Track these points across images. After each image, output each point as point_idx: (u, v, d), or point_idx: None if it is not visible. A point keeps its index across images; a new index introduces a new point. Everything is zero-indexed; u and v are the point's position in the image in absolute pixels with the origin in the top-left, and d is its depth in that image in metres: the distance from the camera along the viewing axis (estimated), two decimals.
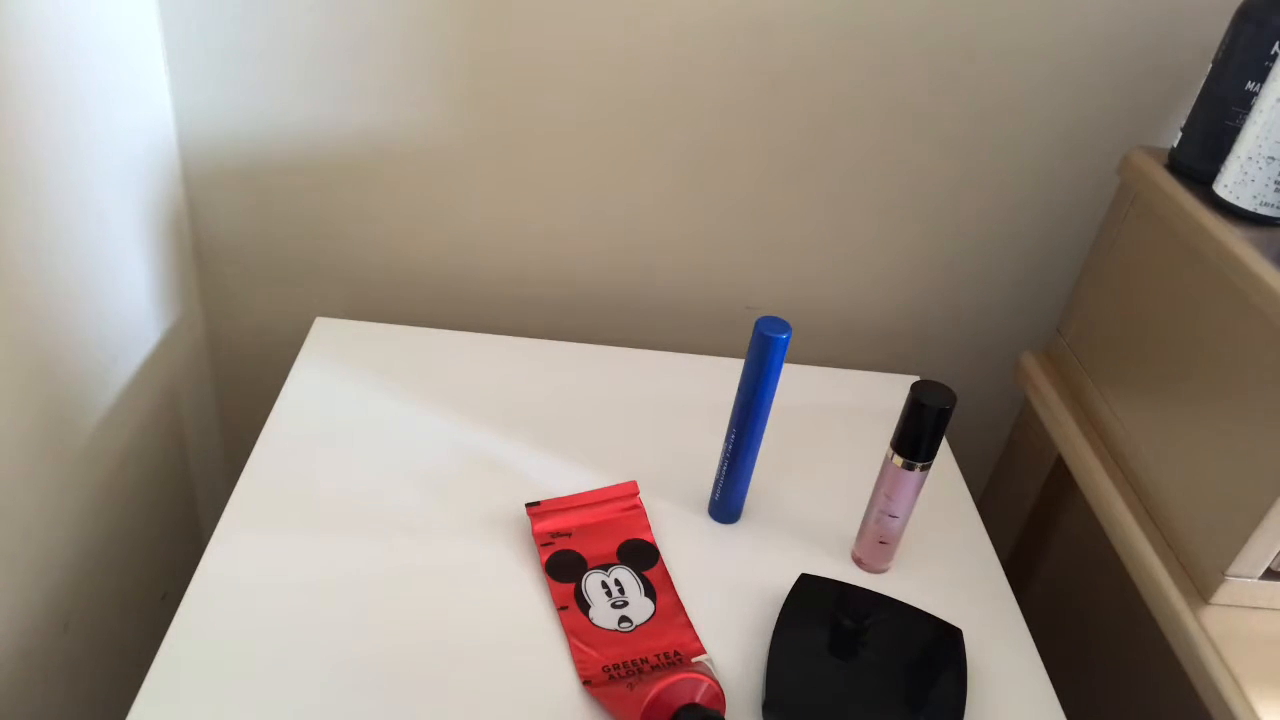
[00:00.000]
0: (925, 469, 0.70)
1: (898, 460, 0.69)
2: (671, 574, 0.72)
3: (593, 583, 0.70)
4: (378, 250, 0.95)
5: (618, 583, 0.71)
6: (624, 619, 0.68)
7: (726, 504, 0.77)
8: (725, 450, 0.74)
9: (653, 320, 1.00)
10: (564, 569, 0.71)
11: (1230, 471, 0.67)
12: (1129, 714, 0.82)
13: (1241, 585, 0.67)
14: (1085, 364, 0.86)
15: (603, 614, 0.68)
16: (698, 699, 0.60)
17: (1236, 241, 0.69)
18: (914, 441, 0.68)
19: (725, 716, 0.61)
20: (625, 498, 0.77)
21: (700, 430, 0.85)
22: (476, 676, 0.63)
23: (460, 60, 0.84)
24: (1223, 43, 0.74)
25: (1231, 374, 0.69)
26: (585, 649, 0.65)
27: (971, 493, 0.85)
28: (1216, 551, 0.67)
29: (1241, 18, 0.73)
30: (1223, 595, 0.68)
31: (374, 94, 0.86)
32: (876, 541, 0.74)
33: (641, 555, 0.73)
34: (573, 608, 0.68)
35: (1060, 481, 0.90)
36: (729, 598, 0.71)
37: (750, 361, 0.69)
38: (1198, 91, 0.76)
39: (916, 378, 0.91)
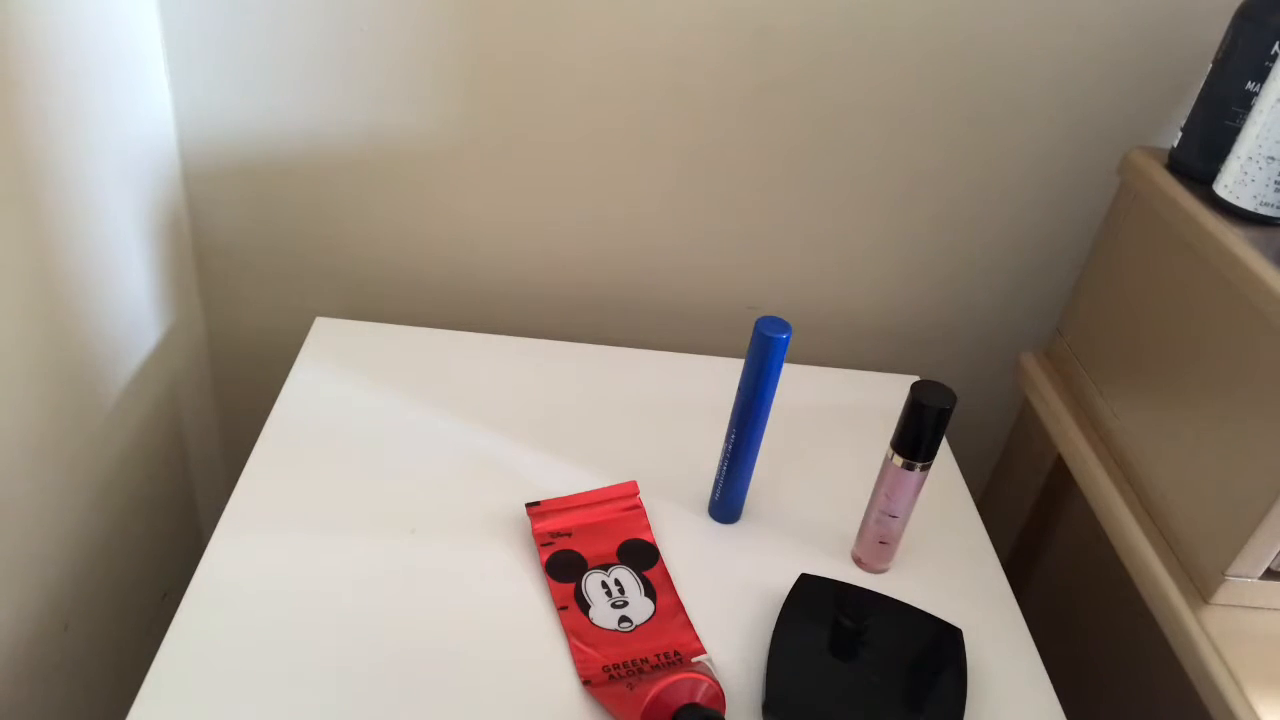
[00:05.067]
0: (925, 469, 0.70)
1: (898, 460, 0.69)
2: (671, 574, 0.72)
3: (593, 583, 0.70)
4: (378, 250, 0.95)
5: (618, 583, 0.71)
6: (624, 619, 0.68)
7: (726, 504, 0.77)
8: (725, 450, 0.74)
9: (653, 320, 1.00)
10: (564, 569, 0.71)
11: (1230, 471, 0.67)
12: (1129, 714, 0.82)
13: (1241, 585, 0.67)
14: (1085, 364, 0.86)
15: (603, 614, 0.68)
16: (698, 699, 0.60)
17: (1236, 241, 0.69)
18: (914, 441, 0.68)
19: (725, 716, 0.61)
20: (625, 498, 0.77)
21: (700, 430, 0.85)
22: (477, 676, 0.63)
23: (460, 60, 0.84)
24: (1223, 43, 0.74)
25: (1231, 374, 0.69)
26: (585, 649, 0.65)
27: (971, 493, 0.85)
28: (1216, 551, 0.67)
29: (1241, 18, 0.73)
30: (1223, 595, 0.68)
31: (374, 94, 0.86)
32: (876, 541, 0.74)
33: (641, 555, 0.73)
34: (573, 608, 0.68)
35: (1060, 481, 0.90)
36: (729, 598, 0.71)
37: (750, 361, 0.69)
38: (1198, 91, 0.76)
39: (916, 378, 0.91)
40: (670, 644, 0.67)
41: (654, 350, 0.95)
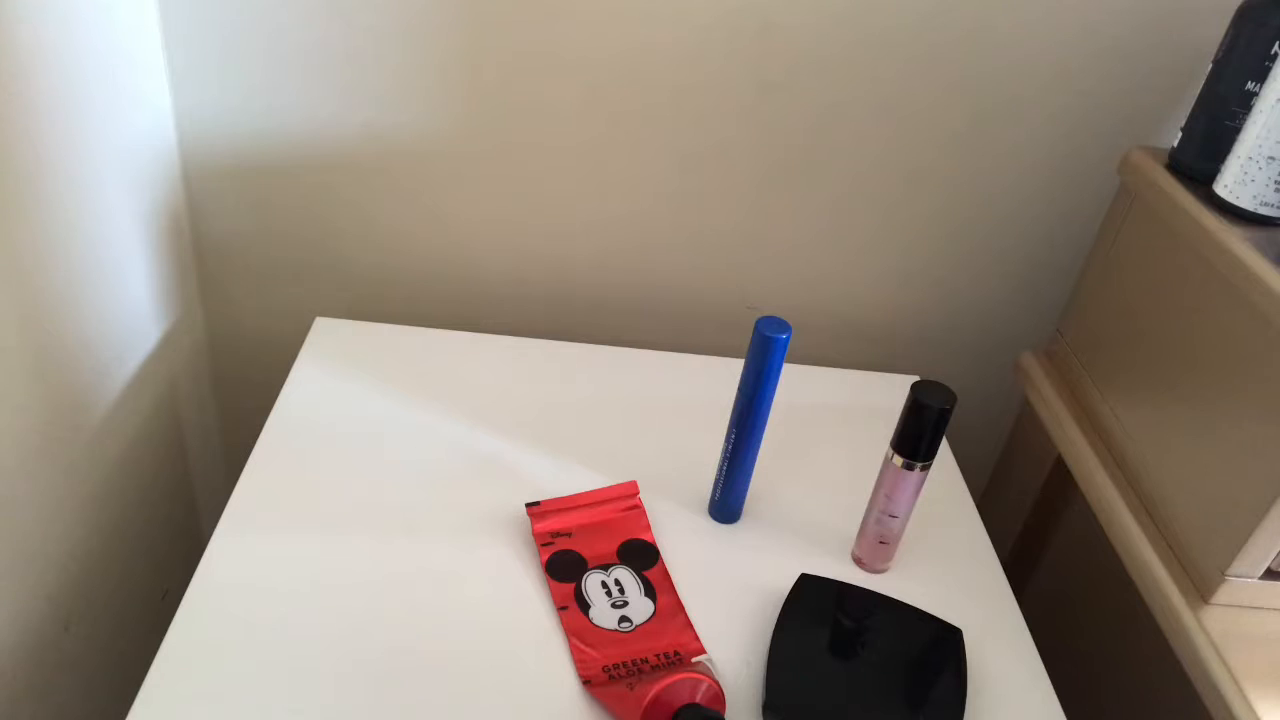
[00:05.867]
0: (925, 469, 0.70)
1: (898, 460, 0.69)
2: (671, 574, 0.72)
3: (593, 583, 0.70)
4: (378, 250, 0.95)
5: (618, 583, 0.71)
6: (624, 619, 0.68)
7: (726, 504, 0.77)
8: (725, 450, 0.74)
9: (653, 320, 1.00)
10: (564, 569, 0.71)
11: (1230, 471, 0.67)
12: (1129, 714, 0.82)
13: (1241, 585, 0.67)
14: (1085, 364, 0.86)
15: (603, 614, 0.68)
16: (698, 699, 0.60)
17: (1236, 241, 0.69)
18: (914, 441, 0.68)
19: (725, 716, 0.61)
20: (625, 498, 0.77)
21: (700, 430, 0.85)
22: (476, 676, 0.63)
23: (460, 61, 0.84)
24: (1223, 43, 0.74)
25: (1231, 374, 0.69)
26: (585, 649, 0.65)
27: (971, 493, 0.85)
28: (1216, 551, 0.67)
29: (1241, 18, 0.73)
30: (1223, 595, 0.68)
31: (374, 94, 0.86)
32: (876, 541, 0.74)
33: (641, 555, 0.73)
34: (573, 608, 0.68)
35: (1060, 481, 0.90)
36: (729, 598, 0.71)
37: (750, 361, 0.69)
38: (1198, 91, 0.76)
39: (916, 378, 0.91)
40: (670, 644, 0.67)
41: (654, 350, 0.95)
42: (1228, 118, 0.74)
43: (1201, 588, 0.68)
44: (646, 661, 0.65)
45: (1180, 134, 0.78)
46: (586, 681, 0.63)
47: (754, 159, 0.90)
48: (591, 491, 0.77)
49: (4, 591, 0.67)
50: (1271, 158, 0.69)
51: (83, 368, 0.76)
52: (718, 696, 0.61)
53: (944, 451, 0.88)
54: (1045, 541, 0.95)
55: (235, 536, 0.70)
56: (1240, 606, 0.68)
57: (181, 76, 0.84)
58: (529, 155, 0.89)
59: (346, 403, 0.83)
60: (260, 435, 0.78)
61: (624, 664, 0.64)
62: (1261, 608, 0.68)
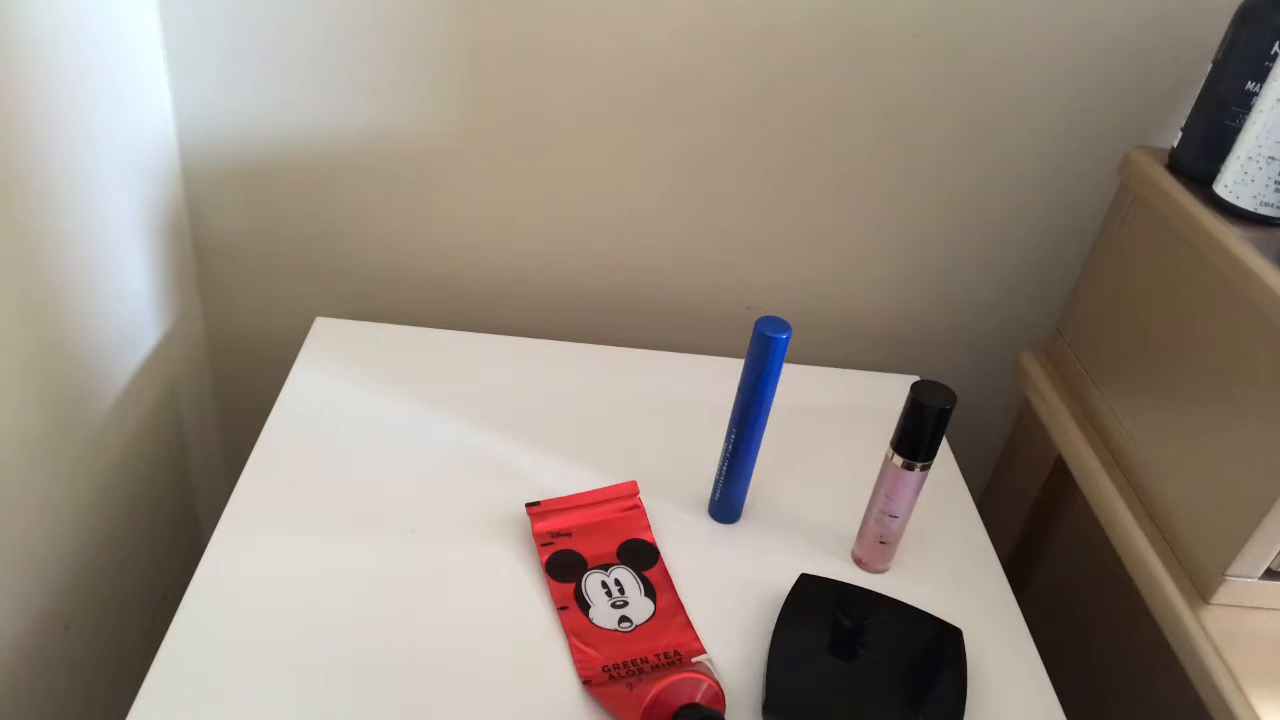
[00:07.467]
0: (925, 469, 0.70)
1: (898, 460, 0.69)
2: (671, 574, 0.72)
3: (593, 583, 0.70)
4: (378, 250, 0.95)
5: (618, 583, 0.71)
6: (624, 619, 0.68)
7: (726, 504, 0.77)
8: (725, 450, 0.74)
9: (653, 320, 1.00)
10: (564, 569, 0.71)
11: (1230, 471, 0.67)
12: (1129, 714, 0.82)
13: (1241, 585, 0.67)
14: (1085, 364, 0.86)
15: (603, 614, 0.68)
16: (698, 699, 0.60)
17: (1236, 241, 0.69)
18: (914, 441, 0.68)
19: (725, 716, 0.61)
20: (625, 498, 0.77)
21: (700, 430, 0.85)
22: (476, 676, 0.63)
23: (460, 60, 0.84)
24: (1223, 43, 0.74)
25: (1231, 374, 0.69)
26: (585, 649, 0.65)
27: (971, 493, 0.85)
28: (1216, 551, 0.67)
29: (1241, 18, 0.73)
30: (1223, 595, 0.68)
31: (374, 94, 0.86)
32: (876, 541, 0.74)
33: (641, 555, 0.73)
34: (573, 608, 0.68)
35: (1060, 481, 0.90)
36: (729, 598, 0.71)
37: (750, 361, 0.69)
38: (1198, 91, 0.76)
39: (916, 378, 0.91)
40: (670, 644, 0.67)
41: (654, 350, 0.95)
42: (1228, 118, 0.74)
43: (1201, 588, 0.68)
44: (646, 661, 0.65)
45: (1180, 134, 0.78)
46: (586, 681, 0.63)
47: (754, 159, 0.90)
48: (591, 491, 0.77)
49: (4, 592, 0.67)
50: (1271, 158, 0.69)
51: (82, 367, 0.76)
52: (718, 696, 0.61)
53: (944, 451, 0.88)
54: (1045, 541, 0.95)
55: (235, 536, 0.70)
56: (1240, 606, 0.68)
57: (181, 76, 0.84)
58: (528, 155, 0.89)
59: (346, 403, 0.83)
60: (260, 435, 0.78)
61: (624, 664, 0.64)
62: (1261, 608, 0.68)
